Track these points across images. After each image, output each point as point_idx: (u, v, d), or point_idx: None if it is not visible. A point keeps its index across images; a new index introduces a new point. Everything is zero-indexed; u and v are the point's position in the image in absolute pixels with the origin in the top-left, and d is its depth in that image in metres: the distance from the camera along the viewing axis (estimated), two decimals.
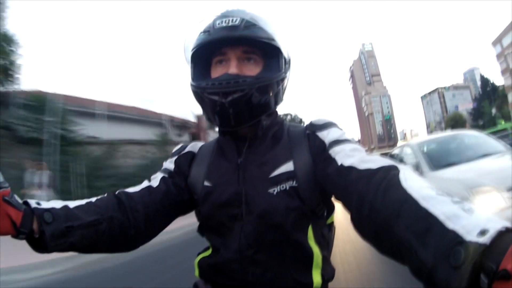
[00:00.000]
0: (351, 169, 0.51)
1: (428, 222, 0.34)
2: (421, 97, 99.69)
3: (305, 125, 0.68)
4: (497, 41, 39.10)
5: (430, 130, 77.50)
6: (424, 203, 0.36)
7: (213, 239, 0.65)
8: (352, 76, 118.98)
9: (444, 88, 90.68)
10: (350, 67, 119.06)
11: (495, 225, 0.29)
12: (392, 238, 0.38)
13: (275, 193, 0.59)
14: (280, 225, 0.58)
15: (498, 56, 39.51)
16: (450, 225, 0.32)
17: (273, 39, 0.61)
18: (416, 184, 0.41)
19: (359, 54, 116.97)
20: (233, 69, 0.59)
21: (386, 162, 0.48)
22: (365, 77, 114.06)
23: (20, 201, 0.49)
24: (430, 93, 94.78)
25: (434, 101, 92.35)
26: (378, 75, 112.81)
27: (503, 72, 38.89)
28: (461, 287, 0.28)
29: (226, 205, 0.61)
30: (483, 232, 0.29)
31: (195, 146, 0.73)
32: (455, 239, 0.30)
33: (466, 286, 0.27)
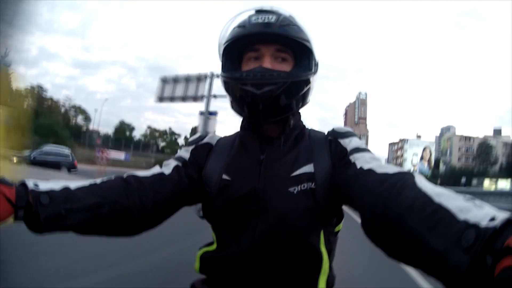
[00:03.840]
0: (369, 172, 0.52)
1: (440, 214, 0.34)
2: (389, 144, 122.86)
3: (326, 131, 0.69)
4: None
5: None
6: (437, 199, 0.37)
7: (223, 233, 0.64)
8: (346, 113, 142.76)
9: (406, 141, 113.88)
10: (347, 107, 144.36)
11: (504, 215, 0.30)
12: (403, 234, 0.39)
13: (295, 192, 0.59)
14: (296, 226, 0.58)
15: None
16: (462, 215, 0.32)
17: (307, 40, 0.61)
18: (430, 185, 0.42)
19: (355, 99, 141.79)
20: (267, 63, 0.60)
21: (403, 169, 0.50)
22: (354, 117, 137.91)
23: (10, 180, 0.46)
24: (395, 143, 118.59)
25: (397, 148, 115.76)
26: (365, 119, 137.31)
27: None
28: (472, 268, 0.28)
29: (243, 201, 0.60)
30: (493, 219, 0.30)
31: (213, 138, 0.72)
32: (466, 224, 0.31)
33: (476, 267, 0.28)
